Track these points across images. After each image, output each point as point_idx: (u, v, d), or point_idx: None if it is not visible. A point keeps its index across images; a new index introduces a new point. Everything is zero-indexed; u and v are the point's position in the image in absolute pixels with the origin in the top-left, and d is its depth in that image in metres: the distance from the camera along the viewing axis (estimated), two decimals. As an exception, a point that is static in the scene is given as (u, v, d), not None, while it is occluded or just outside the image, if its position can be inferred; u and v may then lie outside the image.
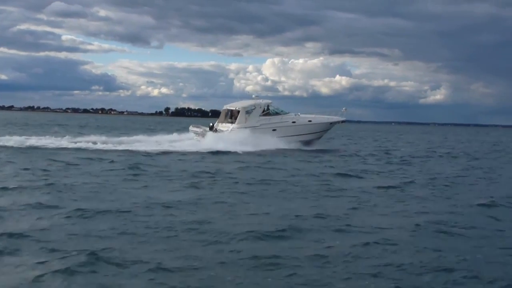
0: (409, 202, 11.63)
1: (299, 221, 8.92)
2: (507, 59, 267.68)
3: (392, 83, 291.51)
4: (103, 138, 26.97)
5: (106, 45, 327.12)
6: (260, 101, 28.34)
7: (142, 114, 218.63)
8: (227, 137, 25.55)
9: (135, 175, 14.40)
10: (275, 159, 21.37)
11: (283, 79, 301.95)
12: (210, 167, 17.20)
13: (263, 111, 27.83)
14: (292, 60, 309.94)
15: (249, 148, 24.35)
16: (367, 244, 7.43)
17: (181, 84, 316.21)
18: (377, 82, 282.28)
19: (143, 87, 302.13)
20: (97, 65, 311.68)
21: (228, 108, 28.75)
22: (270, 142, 26.20)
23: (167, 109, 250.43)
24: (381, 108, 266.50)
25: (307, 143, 28.64)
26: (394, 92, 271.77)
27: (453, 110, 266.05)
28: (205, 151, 22.87)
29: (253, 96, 29.45)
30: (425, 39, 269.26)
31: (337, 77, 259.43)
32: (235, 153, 22.92)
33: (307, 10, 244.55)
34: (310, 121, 28.86)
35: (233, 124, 27.22)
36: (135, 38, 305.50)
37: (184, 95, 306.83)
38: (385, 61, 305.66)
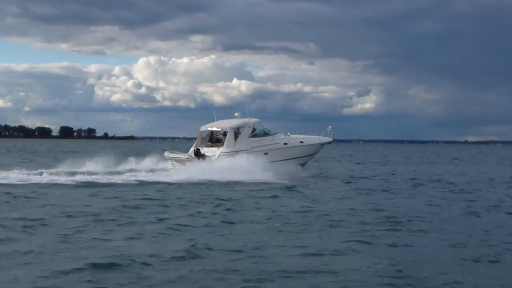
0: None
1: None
2: (456, 54, 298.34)
3: (307, 88, 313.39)
4: None
5: None
6: (248, 119, 35.20)
7: None
8: (235, 163, 31.79)
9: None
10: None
11: (162, 84, 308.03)
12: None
13: (252, 131, 34.81)
14: (173, 59, 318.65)
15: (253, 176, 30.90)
16: None
17: (21, 93, 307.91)
18: (288, 87, 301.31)
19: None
20: None
21: (209, 129, 35.22)
22: (264, 168, 32.95)
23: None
24: (293, 121, 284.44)
25: (299, 167, 36.02)
26: (309, 99, 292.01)
27: (386, 122, 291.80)
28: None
29: (236, 114, 36.14)
30: (349, 30, 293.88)
31: (235, 81, 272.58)
32: None
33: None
34: (302, 142, 36.39)
35: (221, 148, 33.65)
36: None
37: (26, 108, 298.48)
38: (297, 59, 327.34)
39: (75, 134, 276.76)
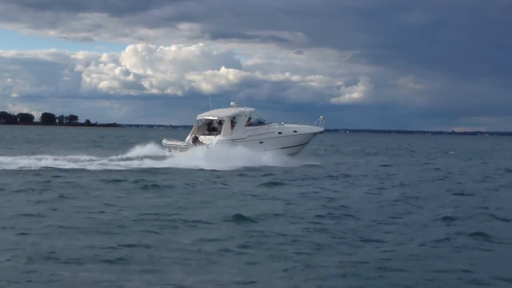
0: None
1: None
2: (445, 44, 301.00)
3: (295, 77, 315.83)
4: None
5: None
6: (244, 108, 36.84)
7: None
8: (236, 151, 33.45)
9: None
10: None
11: (149, 72, 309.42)
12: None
13: (248, 120, 36.52)
14: (161, 47, 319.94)
15: (249, 164, 32.63)
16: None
17: (9, 79, 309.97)
18: (276, 76, 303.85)
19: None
20: None
21: (206, 117, 36.86)
22: (261, 157, 34.68)
23: None
24: (280, 111, 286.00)
25: (291, 156, 37.75)
26: (297, 89, 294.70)
27: (373, 112, 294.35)
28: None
29: (232, 103, 37.72)
30: (338, 19, 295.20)
31: (223, 70, 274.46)
32: None
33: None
34: (295, 131, 38.03)
35: (218, 136, 35.34)
36: None
37: (14, 94, 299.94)
38: (285, 48, 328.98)
39: (57, 120, 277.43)
